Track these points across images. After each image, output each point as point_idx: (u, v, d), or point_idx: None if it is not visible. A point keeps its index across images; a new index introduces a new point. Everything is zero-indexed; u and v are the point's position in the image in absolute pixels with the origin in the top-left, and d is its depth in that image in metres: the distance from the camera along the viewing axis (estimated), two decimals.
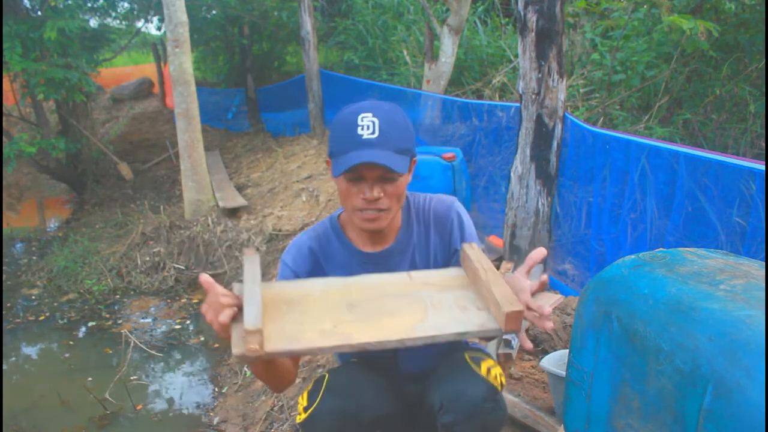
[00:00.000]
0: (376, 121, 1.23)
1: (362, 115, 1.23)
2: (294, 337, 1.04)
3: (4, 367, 4.18)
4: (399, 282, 1.21)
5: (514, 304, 1.04)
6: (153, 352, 4.10)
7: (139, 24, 10.57)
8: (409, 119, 1.31)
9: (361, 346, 1.04)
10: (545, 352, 2.61)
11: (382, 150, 1.21)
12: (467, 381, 1.23)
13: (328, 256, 1.40)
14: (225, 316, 1.05)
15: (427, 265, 1.40)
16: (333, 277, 1.24)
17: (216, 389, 3.69)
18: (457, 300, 1.14)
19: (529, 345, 1.13)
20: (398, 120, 1.26)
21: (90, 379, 3.87)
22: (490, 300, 1.08)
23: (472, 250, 1.21)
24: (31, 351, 4.57)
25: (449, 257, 1.41)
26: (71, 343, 4.54)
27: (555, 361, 2.23)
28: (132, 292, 5.48)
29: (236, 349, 1.00)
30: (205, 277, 1.13)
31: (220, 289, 1.10)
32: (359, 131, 1.22)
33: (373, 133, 1.22)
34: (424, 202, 1.43)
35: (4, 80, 7.79)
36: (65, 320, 4.93)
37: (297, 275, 1.37)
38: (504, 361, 2.43)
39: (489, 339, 1.15)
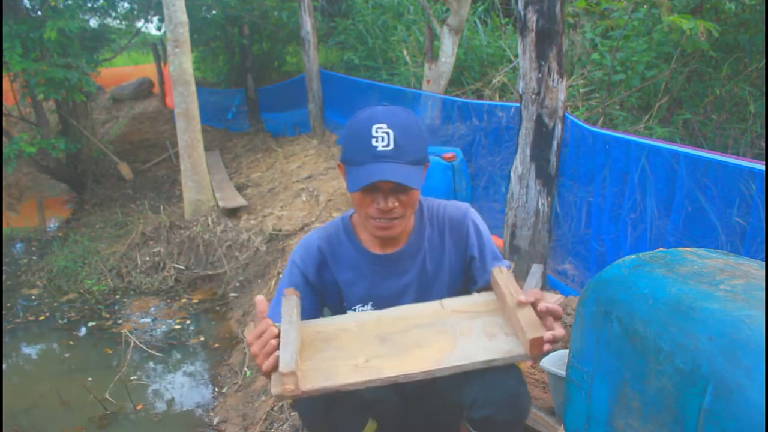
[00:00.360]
0: (391, 132, 1.22)
1: (377, 125, 1.22)
2: (328, 375, 1.11)
3: (4, 367, 4.18)
4: (430, 311, 1.24)
5: (538, 329, 1.07)
6: (153, 352, 4.10)
7: (139, 24, 10.57)
8: (422, 124, 1.31)
9: (391, 380, 1.09)
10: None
11: (397, 163, 1.21)
12: (497, 372, 1.21)
13: (338, 257, 1.40)
14: (269, 365, 1.10)
15: (438, 271, 1.40)
16: (366, 312, 1.29)
17: (216, 389, 3.69)
18: (486, 327, 1.17)
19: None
20: (412, 129, 1.25)
21: (90, 379, 3.87)
22: (516, 326, 1.12)
23: (501, 275, 1.24)
24: (31, 351, 4.57)
25: (465, 264, 1.41)
26: (71, 343, 4.54)
27: (555, 361, 2.23)
28: (132, 292, 5.48)
29: (275, 389, 1.08)
30: (261, 305, 1.16)
31: (273, 328, 1.13)
32: (374, 143, 1.22)
33: (387, 145, 1.22)
34: (439, 207, 1.43)
35: (4, 80, 7.79)
36: (65, 320, 4.93)
37: (304, 274, 1.38)
38: None
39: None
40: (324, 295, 1.43)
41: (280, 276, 1.46)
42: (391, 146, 1.22)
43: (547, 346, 1.09)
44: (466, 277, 1.44)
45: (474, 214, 1.42)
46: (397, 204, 1.26)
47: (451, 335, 1.15)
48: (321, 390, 1.09)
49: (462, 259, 1.41)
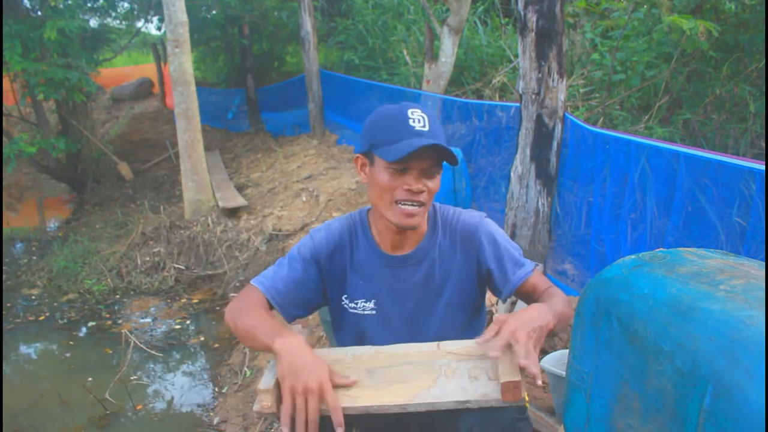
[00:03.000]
0: (426, 117, 1.26)
1: (411, 109, 1.26)
2: None
3: (4, 367, 4.18)
4: (425, 351, 1.26)
5: (514, 374, 1.07)
6: (153, 352, 4.10)
7: (139, 24, 10.58)
8: None
9: (364, 409, 1.11)
10: (545, 352, 2.61)
11: (436, 140, 1.24)
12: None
13: (353, 247, 1.41)
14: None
15: (446, 280, 1.39)
16: (367, 346, 1.30)
17: (216, 389, 3.69)
18: (473, 370, 1.17)
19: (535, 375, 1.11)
20: (437, 121, 1.31)
21: (90, 379, 3.87)
22: (497, 370, 1.13)
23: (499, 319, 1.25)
24: (31, 351, 4.57)
25: (480, 277, 1.39)
26: (71, 343, 4.54)
27: (555, 361, 2.23)
28: (132, 292, 5.48)
29: (255, 406, 1.14)
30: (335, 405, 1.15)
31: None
32: (411, 123, 1.24)
33: (424, 126, 1.25)
34: (453, 215, 1.42)
35: (4, 80, 7.79)
36: (65, 320, 4.93)
37: (317, 251, 1.39)
38: None
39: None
40: (326, 282, 1.42)
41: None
42: (428, 127, 1.25)
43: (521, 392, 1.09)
44: (480, 290, 1.42)
45: (488, 225, 1.40)
46: (425, 189, 1.27)
47: (436, 374, 1.17)
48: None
49: (474, 272, 1.39)
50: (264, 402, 1.12)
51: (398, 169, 1.25)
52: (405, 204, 1.27)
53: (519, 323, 1.14)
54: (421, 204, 1.28)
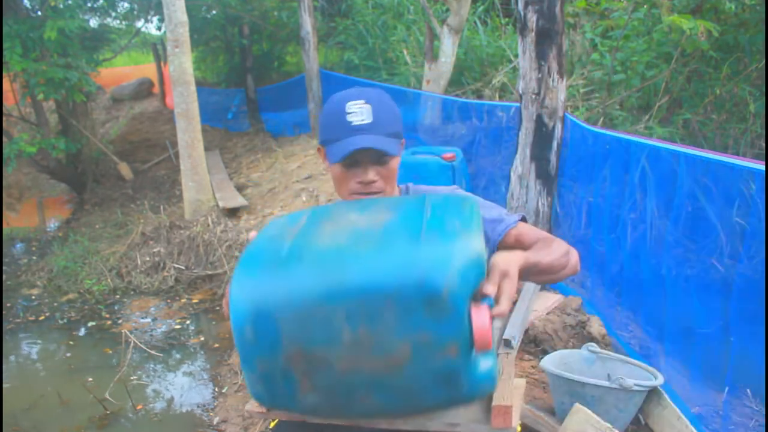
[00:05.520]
0: (367, 107, 1.24)
1: (351, 102, 1.24)
2: None
3: (4, 367, 4.18)
4: None
5: (505, 399, 1.03)
6: (153, 352, 4.10)
7: (139, 24, 10.58)
8: (395, 104, 1.33)
9: (355, 421, 1.08)
10: (545, 352, 2.61)
11: (375, 135, 1.23)
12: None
13: None
14: None
15: None
16: None
17: (216, 389, 3.69)
18: None
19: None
20: (387, 105, 1.28)
21: (90, 379, 3.87)
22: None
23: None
24: (31, 351, 4.57)
25: None
26: (71, 343, 4.54)
27: (555, 361, 2.23)
28: (132, 292, 5.48)
29: (247, 406, 1.12)
30: None
31: None
32: (349, 118, 1.23)
33: (364, 119, 1.23)
34: (426, 190, 1.41)
35: (4, 80, 7.79)
36: (65, 320, 4.93)
37: None
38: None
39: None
40: None
41: None
42: (368, 120, 1.24)
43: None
44: None
45: (460, 191, 1.38)
46: (377, 177, 1.27)
47: None
48: (288, 415, 1.09)
49: None
50: (256, 405, 1.10)
51: (347, 164, 1.26)
52: (359, 194, 1.28)
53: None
54: (376, 192, 1.28)
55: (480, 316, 0.87)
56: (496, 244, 1.28)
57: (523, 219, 1.31)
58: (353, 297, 0.86)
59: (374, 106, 1.24)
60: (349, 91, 1.28)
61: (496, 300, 0.94)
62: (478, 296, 0.91)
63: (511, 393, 1.06)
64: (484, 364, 0.92)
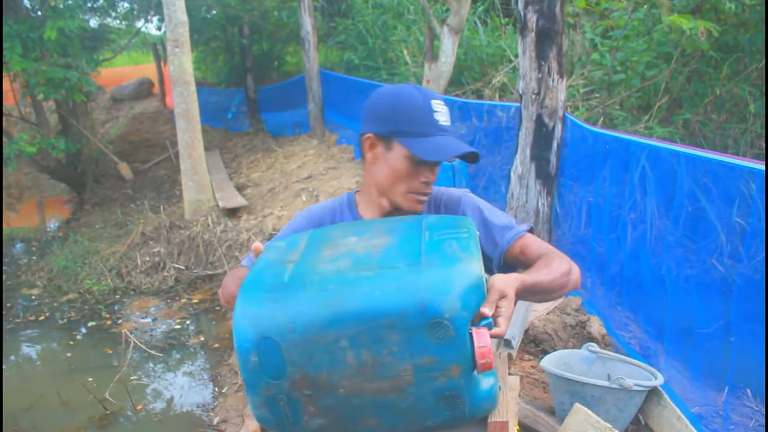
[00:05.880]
0: (447, 109, 1.25)
1: (434, 100, 1.24)
2: None
3: (4, 367, 4.18)
4: None
5: (502, 414, 1.03)
6: (153, 352, 4.10)
7: (139, 24, 10.59)
8: None
9: None
10: (545, 352, 2.61)
11: (456, 138, 1.23)
12: None
13: None
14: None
15: None
16: None
17: (216, 389, 3.69)
18: None
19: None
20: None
21: (90, 379, 3.87)
22: None
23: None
24: (31, 351, 4.57)
25: None
26: (71, 343, 4.54)
27: (555, 361, 2.23)
28: (132, 292, 5.48)
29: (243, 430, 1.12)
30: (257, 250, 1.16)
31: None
32: (436, 116, 1.23)
33: (447, 120, 1.24)
34: (438, 191, 1.41)
35: (4, 80, 7.79)
36: (65, 320, 4.93)
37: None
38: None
39: None
40: None
41: None
42: (449, 122, 1.25)
43: None
44: None
45: (472, 196, 1.38)
46: (435, 178, 1.28)
47: None
48: None
49: None
50: (251, 427, 1.08)
51: (417, 162, 1.25)
52: (419, 194, 1.28)
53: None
54: (428, 194, 1.29)
55: (481, 339, 0.89)
56: (504, 251, 1.27)
57: (531, 230, 1.31)
58: (356, 322, 0.87)
59: (448, 107, 1.26)
60: (420, 88, 1.26)
61: (495, 321, 0.95)
62: (477, 318, 0.92)
63: (507, 407, 1.05)
64: (485, 383, 0.94)
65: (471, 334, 0.89)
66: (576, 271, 1.22)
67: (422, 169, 1.26)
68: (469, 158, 1.27)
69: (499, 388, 0.99)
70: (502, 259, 1.29)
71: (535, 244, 1.27)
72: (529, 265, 1.23)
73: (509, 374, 1.22)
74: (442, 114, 1.24)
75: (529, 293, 1.12)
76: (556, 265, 1.19)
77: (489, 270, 1.30)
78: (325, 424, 0.94)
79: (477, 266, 0.92)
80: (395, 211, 1.33)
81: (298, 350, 0.88)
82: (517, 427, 1.29)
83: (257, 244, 1.14)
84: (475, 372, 0.90)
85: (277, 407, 0.93)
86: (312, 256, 1.01)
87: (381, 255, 0.96)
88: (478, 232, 1.07)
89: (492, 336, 0.92)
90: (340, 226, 1.16)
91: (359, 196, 1.41)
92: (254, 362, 0.90)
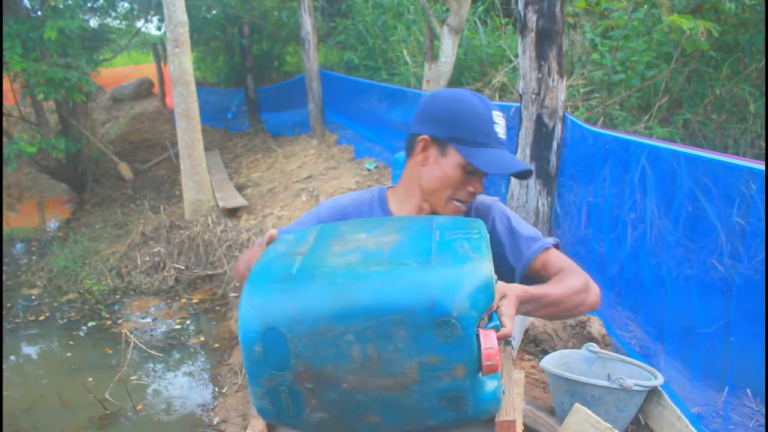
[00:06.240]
0: (504, 122, 1.25)
1: (495, 111, 1.24)
2: None
3: (4, 367, 4.18)
4: None
5: (508, 413, 1.02)
6: (153, 352, 4.10)
7: (139, 24, 10.58)
8: None
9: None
10: (545, 352, 2.61)
11: (510, 153, 1.24)
12: None
13: None
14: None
15: None
16: None
17: (216, 389, 3.69)
18: None
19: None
20: None
21: (90, 379, 3.87)
22: None
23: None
24: (31, 351, 4.57)
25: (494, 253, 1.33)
26: (71, 343, 4.54)
27: (555, 361, 2.23)
28: (132, 292, 5.48)
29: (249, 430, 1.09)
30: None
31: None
32: (496, 128, 1.23)
33: (504, 133, 1.24)
34: None
35: (4, 80, 7.79)
36: (65, 320, 4.93)
37: (319, 222, 1.34)
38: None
39: None
40: None
41: None
42: (505, 136, 1.25)
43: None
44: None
45: (502, 205, 1.37)
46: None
47: None
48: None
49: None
50: (257, 427, 1.07)
51: (471, 171, 1.24)
52: (462, 202, 1.27)
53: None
54: (472, 202, 1.29)
55: (488, 340, 0.88)
56: (529, 262, 1.26)
57: (556, 245, 1.30)
58: (365, 317, 0.87)
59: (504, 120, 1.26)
60: (482, 97, 1.24)
61: (499, 320, 0.95)
62: (482, 321, 0.92)
63: (513, 404, 1.04)
64: (490, 385, 0.93)
65: (478, 335, 0.88)
66: (594, 292, 1.20)
67: (472, 179, 1.25)
68: (523, 175, 1.26)
69: (503, 392, 0.99)
70: (526, 272, 1.28)
71: (557, 259, 1.26)
72: (549, 280, 1.22)
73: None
74: (500, 126, 1.23)
75: (535, 304, 1.11)
76: (570, 282, 1.17)
77: (511, 281, 1.30)
78: (326, 419, 0.94)
79: (487, 267, 0.92)
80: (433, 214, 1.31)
81: (304, 342, 0.88)
82: (522, 427, 1.29)
83: (273, 231, 1.14)
84: (480, 374, 0.90)
85: (279, 399, 0.93)
86: (321, 249, 1.01)
87: (391, 251, 0.96)
88: (488, 235, 1.07)
89: (499, 337, 0.92)
90: (350, 223, 1.15)
91: (391, 193, 1.38)
92: (258, 352, 0.89)
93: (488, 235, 1.07)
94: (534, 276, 1.28)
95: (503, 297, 1.00)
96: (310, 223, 1.35)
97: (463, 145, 1.22)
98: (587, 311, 1.21)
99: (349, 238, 1.04)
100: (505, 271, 1.31)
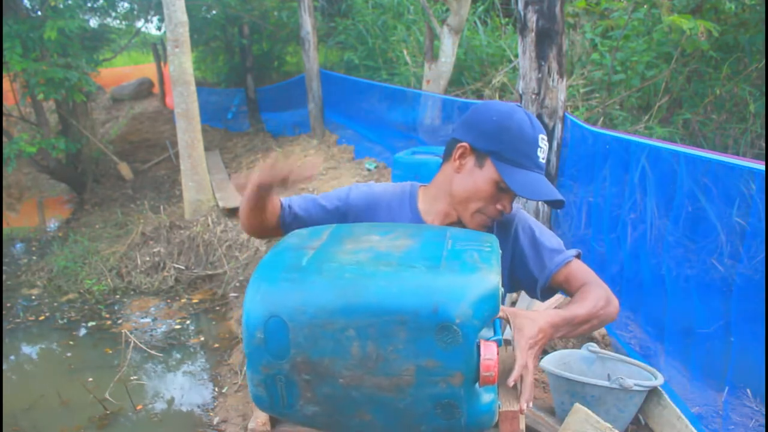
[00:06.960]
0: (547, 146, 1.25)
1: (542, 135, 1.23)
2: None
3: (4, 367, 4.18)
4: None
5: (512, 403, 1.02)
6: (153, 352, 4.10)
7: (139, 24, 10.58)
8: None
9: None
10: (545, 352, 2.61)
11: (546, 179, 1.23)
12: None
13: (392, 214, 1.33)
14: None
15: None
16: None
17: (216, 389, 3.69)
18: None
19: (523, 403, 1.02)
20: None
21: (90, 379, 3.87)
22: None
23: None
24: (31, 351, 4.57)
25: (516, 263, 1.32)
26: (71, 343, 4.54)
27: (555, 361, 2.23)
28: (132, 292, 5.48)
29: (250, 423, 1.09)
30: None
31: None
32: (539, 152, 1.22)
33: (544, 158, 1.24)
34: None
35: (4, 80, 7.79)
36: (65, 320, 4.93)
37: (348, 204, 1.33)
38: None
39: None
40: None
41: None
42: (545, 161, 1.24)
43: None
44: (511, 284, 1.34)
45: (525, 214, 1.36)
46: None
47: None
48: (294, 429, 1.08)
49: (507, 263, 1.31)
50: (259, 419, 1.07)
51: (503, 189, 1.23)
52: (491, 219, 1.26)
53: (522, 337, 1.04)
54: (499, 219, 1.27)
55: (488, 351, 0.89)
56: (551, 275, 1.26)
57: (578, 256, 1.30)
58: (368, 314, 0.88)
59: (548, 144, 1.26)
60: (531, 118, 1.23)
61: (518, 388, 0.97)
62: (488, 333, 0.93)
63: (514, 397, 1.05)
64: (486, 397, 0.93)
65: (479, 345, 0.89)
66: (614, 304, 1.21)
67: (503, 197, 1.24)
68: (555, 205, 1.26)
69: (499, 407, 0.99)
70: (548, 283, 1.28)
71: (580, 272, 1.26)
72: (571, 292, 1.24)
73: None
74: (543, 151, 1.22)
75: (568, 327, 1.12)
76: (593, 297, 1.18)
77: (533, 291, 1.32)
78: (319, 412, 0.94)
79: (495, 278, 0.93)
80: (458, 222, 1.30)
81: (305, 333, 0.89)
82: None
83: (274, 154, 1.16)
84: (477, 384, 0.90)
85: (274, 387, 0.94)
86: (334, 246, 1.02)
87: (402, 254, 0.97)
88: (501, 251, 1.08)
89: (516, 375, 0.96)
90: (365, 225, 1.17)
91: (423, 192, 1.36)
92: (259, 338, 0.90)
93: (500, 251, 1.07)
94: (556, 288, 1.29)
95: (524, 368, 1.00)
96: (336, 199, 1.34)
97: (501, 162, 1.21)
98: (606, 323, 1.22)
99: (362, 238, 1.06)
100: (528, 281, 1.31)
